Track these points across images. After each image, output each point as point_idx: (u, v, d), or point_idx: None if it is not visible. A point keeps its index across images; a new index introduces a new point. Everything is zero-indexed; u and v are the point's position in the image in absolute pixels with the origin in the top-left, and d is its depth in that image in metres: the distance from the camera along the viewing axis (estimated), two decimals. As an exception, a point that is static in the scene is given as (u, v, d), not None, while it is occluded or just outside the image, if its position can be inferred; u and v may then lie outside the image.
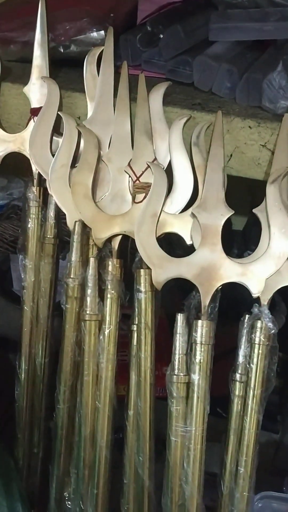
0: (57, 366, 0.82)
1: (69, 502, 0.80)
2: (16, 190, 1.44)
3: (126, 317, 0.78)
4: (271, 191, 0.68)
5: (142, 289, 0.72)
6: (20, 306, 1.17)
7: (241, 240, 1.36)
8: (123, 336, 0.78)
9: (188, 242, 0.72)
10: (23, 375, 0.86)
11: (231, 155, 0.73)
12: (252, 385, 0.68)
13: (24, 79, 0.80)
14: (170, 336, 0.72)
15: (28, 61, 0.82)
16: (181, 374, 0.69)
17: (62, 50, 0.83)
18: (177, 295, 0.80)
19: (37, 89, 0.79)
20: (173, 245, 0.77)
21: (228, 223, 1.21)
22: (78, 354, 0.77)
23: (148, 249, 0.71)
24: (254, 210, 0.71)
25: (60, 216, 0.81)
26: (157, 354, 0.76)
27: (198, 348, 0.68)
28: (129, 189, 0.74)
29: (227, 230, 0.75)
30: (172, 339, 0.71)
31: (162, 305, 0.79)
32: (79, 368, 0.77)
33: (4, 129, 0.82)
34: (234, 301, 0.83)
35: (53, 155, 0.77)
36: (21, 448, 0.88)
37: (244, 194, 0.73)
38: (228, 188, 0.72)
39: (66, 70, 0.85)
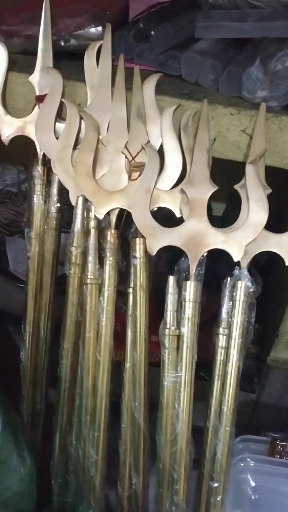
0: (58, 329, 0.90)
1: (72, 447, 0.89)
2: (10, 177, 1.51)
3: (119, 293, 0.86)
4: (250, 169, 0.78)
5: (137, 255, 0.81)
6: (16, 283, 1.26)
7: (220, 224, 1.47)
8: (117, 309, 0.86)
9: (178, 215, 0.82)
10: (27, 337, 0.94)
11: (215, 139, 0.82)
12: (233, 337, 0.78)
13: (29, 69, 0.87)
14: (158, 310, 0.81)
15: (30, 53, 0.88)
16: (173, 327, 0.79)
17: (62, 44, 0.90)
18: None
19: (41, 78, 0.86)
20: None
21: (208, 209, 1.33)
22: (80, 315, 0.86)
23: (142, 220, 0.80)
24: (235, 186, 0.81)
25: (62, 193, 0.89)
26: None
27: (187, 305, 0.78)
28: (126, 168, 0.83)
29: (208, 216, 0.84)
30: (159, 314, 0.81)
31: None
32: (80, 327, 0.86)
33: (10, 114, 0.89)
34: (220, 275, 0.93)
35: (56, 138, 0.84)
36: (25, 404, 0.96)
37: (223, 183, 0.83)
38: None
39: (65, 61, 0.91)
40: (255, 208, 0.78)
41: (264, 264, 1.24)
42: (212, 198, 0.80)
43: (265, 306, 1.22)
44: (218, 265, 1.02)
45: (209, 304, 0.88)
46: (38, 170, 0.88)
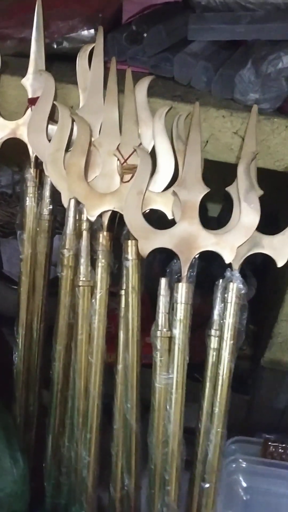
0: (51, 331, 0.90)
1: (65, 449, 0.89)
2: (4, 178, 1.51)
3: (113, 295, 0.86)
4: (241, 172, 0.78)
5: (130, 257, 0.82)
6: (10, 285, 1.26)
7: (216, 225, 1.48)
8: (111, 311, 0.86)
9: (170, 217, 0.82)
10: (20, 339, 0.94)
11: (207, 141, 0.82)
12: (225, 338, 0.78)
13: (21, 71, 0.87)
14: (152, 311, 0.81)
15: (23, 55, 0.89)
16: (164, 329, 0.79)
17: (55, 46, 0.90)
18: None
19: (34, 81, 0.86)
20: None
21: (204, 210, 1.34)
22: (72, 317, 0.86)
23: (134, 222, 0.80)
24: (227, 189, 0.81)
25: (55, 195, 0.89)
26: (141, 327, 0.85)
27: (179, 307, 0.78)
28: (118, 170, 0.83)
29: (204, 217, 0.84)
30: (153, 315, 0.80)
31: (144, 285, 0.87)
32: (73, 329, 0.86)
33: (3, 117, 0.89)
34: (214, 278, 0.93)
35: (49, 141, 0.84)
36: (18, 406, 0.96)
37: (219, 184, 0.83)
38: (205, 181, 0.80)
39: (58, 64, 0.91)
40: (247, 210, 0.78)
41: (259, 267, 1.24)
42: (209, 199, 0.80)
43: (260, 308, 1.22)
44: (212, 268, 1.02)
45: (204, 307, 0.88)
46: (31, 172, 0.89)
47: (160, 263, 1.21)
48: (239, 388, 1.15)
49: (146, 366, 0.86)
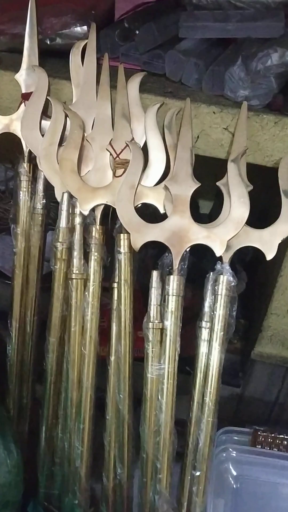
0: (44, 324, 0.91)
1: (58, 440, 0.90)
2: (-3, 174, 1.51)
3: (106, 290, 0.88)
4: (231, 167, 0.79)
5: (122, 250, 0.83)
6: (3, 280, 1.27)
7: (207, 222, 1.49)
8: (104, 305, 0.88)
9: (162, 211, 0.83)
10: (14, 332, 0.95)
11: (198, 137, 0.84)
12: (215, 330, 0.80)
13: (15, 67, 0.88)
14: (144, 307, 0.82)
15: (17, 51, 0.90)
16: (156, 321, 0.80)
17: (48, 42, 0.91)
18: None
19: (27, 76, 0.87)
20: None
21: (196, 207, 1.34)
22: (65, 309, 0.87)
23: (127, 216, 0.81)
24: (217, 183, 0.82)
25: (48, 190, 0.90)
26: (133, 321, 0.86)
27: (170, 299, 0.80)
28: (110, 165, 0.84)
29: (195, 213, 0.86)
30: (145, 310, 0.82)
31: (137, 280, 0.89)
32: (66, 322, 0.87)
33: (-4, 112, 0.91)
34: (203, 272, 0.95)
35: (42, 135, 0.86)
36: (12, 398, 0.97)
37: (211, 181, 0.84)
38: (196, 176, 0.81)
39: (51, 60, 0.93)
40: (237, 204, 0.79)
41: (249, 262, 1.26)
42: (200, 196, 0.81)
43: (250, 302, 1.24)
44: (204, 262, 1.03)
45: (196, 300, 0.89)
46: (24, 167, 0.90)
47: (153, 258, 1.23)
48: (230, 381, 1.16)
49: (138, 360, 0.87)
